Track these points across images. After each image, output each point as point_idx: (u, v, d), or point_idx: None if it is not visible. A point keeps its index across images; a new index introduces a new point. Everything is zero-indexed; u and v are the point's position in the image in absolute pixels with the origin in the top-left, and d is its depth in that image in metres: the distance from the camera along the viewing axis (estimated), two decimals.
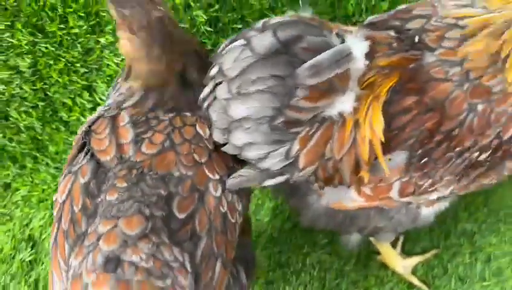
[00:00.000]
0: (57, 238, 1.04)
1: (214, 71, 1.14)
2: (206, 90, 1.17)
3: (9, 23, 1.87)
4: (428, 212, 1.55)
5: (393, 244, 1.86)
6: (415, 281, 1.83)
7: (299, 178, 1.27)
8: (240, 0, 1.83)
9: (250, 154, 1.19)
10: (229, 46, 1.13)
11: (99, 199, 1.00)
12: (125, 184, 1.02)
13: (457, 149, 1.30)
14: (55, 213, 1.08)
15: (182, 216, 1.02)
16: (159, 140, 1.08)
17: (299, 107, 1.14)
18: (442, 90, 1.27)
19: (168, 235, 0.98)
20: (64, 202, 1.04)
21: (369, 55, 1.25)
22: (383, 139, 1.24)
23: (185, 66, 1.20)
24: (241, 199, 1.20)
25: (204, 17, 1.80)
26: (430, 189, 1.39)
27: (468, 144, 1.30)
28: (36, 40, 1.89)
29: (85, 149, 1.10)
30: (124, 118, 1.09)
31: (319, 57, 1.11)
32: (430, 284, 1.85)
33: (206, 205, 1.07)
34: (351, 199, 1.43)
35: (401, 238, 1.90)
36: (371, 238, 1.75)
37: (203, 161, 1.11)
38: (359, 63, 1.19)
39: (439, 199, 1.47)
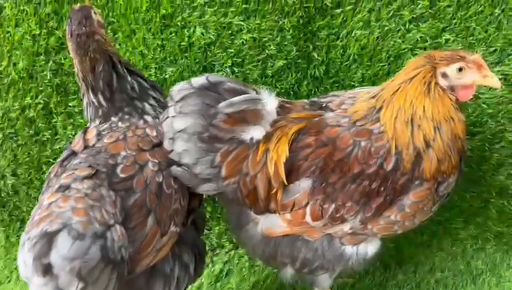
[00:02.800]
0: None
1: (168, 100, 1.78)
2: (164, 112, 1.80)
3: None
4: (353, 252, 1.89)
5: None
6: None
7: (225, 188, 1.80)
8: None
9: (186, 160, 1.75)
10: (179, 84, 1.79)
11: (67, 166, 1.64)
12: (85, 155, 1.66)
13: (349, 175, 1.76)
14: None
15: (123, 175, 1.59)
16: (116, 135, 1.72)
17: (219, 127, 1.73)
18: (334, 131, 1.81)
19: (109, 183, 1.54)
20: (50, 173, 1.70)
21: (284, 111, 1.88)
22: (283, 161, 1.77)
23: None
24: (181, 186, 1.74)
25: None
26: (337, 215, 1.80)
27: (357, 171, 1.76)
28: None
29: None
30: (92, 126, 1.79)
31: (235, 98, 1.77)
32: None
33: (144, 173, 1.63)
34: (278, 225, 1.88)
35: None
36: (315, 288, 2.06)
37: (146, 148, 1.70)
38: (271, 110, 1.81)
39: (356, 233, 1.85)
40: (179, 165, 1.76)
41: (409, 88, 1.73)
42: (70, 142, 1.81)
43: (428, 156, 1.71)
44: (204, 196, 2.01)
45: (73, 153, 1.72)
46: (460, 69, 1.69)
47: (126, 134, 1.74)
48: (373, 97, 1.82)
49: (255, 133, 1.79)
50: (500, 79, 2.13)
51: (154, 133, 1.79)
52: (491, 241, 2.54)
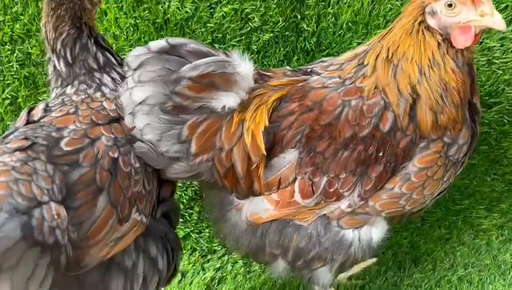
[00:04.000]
0: None
1: (124, 68, 1.58)
2: (123, 84, 1.59)
3: None
4: (354, 236, 1.65)
5: None
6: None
7: (198, 167, 1.57)
8: None
9: (149, 136, 1.53)
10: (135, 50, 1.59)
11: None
12: (24, 129, 1.46)
13: (340, 140, 1.54)
14: None
15: (67, 149, 1.39)
16: (67, 109, 1.54)
17: (183, 95, 1.52)
18: (320, 94, 1.59)
19: (47, 157, 1.34)
20: None
21: (263, 79, 1.66)
22: (262, 129, 1.55)
23: None
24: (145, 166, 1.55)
25: None
26: (331, 190, 1.57)
27: (349, 135, 1.53)
28: None
29: None
30: (40, 103, 1.61)
31: (200, 60, 1.55)
32: None
33: (95, 148, 1.42)
34: (264, 209, 1.64)
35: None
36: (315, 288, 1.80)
37: (100, 122, 1.50)
38: (245, 75, 1.59)
39: (356, 213, 1.61)
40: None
41: (396, 27, 1.53)
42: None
43: (420, 106, 1.49)
44: (177, 183, 1.80)
45: (16, 130, 1.53)
46: (450, 5, 1.44)
47: (78, 107, 1.55)
48: (363, 51, 1.60)
49: (228, 100, 1.57)
50: None
51: (113, 107, 1.58)
52: None
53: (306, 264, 1.70)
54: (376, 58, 1.55)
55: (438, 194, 1.66)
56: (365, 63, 1.57)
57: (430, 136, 1.51)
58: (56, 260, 1.24)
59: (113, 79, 1.72)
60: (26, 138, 1.39)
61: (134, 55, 1.56)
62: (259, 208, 1.65)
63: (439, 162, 1.53)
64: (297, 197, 1.60)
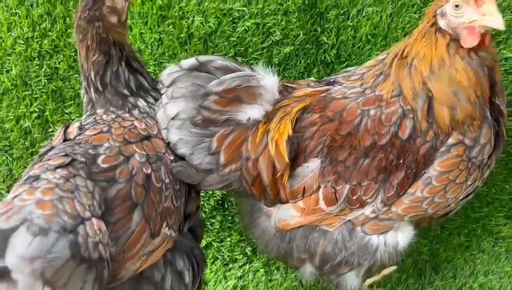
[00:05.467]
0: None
1: (159, 85, 1.72)
2: (158, 102, 1.73)
3: None
4: (380, 242, 1.74)
5: None
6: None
7: (229, 177, 1.69)
8: None
9: (182, 150, 1.66)
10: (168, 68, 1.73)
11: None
12: (62, 146, 1.55)
13: (360, 149, 1.63)
14: None
15: (104, 165, 1.47)
16: (100, 127, 1.63)
17: (211, 109, 1.64)
18: (340, 104, 1.69)
19: (87, 173, 1.42)
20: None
21: (288, 91, 1.78)
22: (285, 139, 1.66)
23: None
24: (179, 183, 1.66)
25: None
26: (354, 197, 1.67)
27: (369, 143, 1.63)
28: None
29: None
30: (75, 122, 1.70)
31: (226, 76, 1.66)
32: None
33: (129, 164, 1.51)
34: (291, 216, 1.75)
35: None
36: None
37: (132, 140, 1.59)
38: (269, 88, 1.70)
39: (380, 219, 1.70)
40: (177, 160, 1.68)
41: (415, 31, 1.63)
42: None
43: (436, 103, 1.58)
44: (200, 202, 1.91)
45: (53, 148, 1.61)
46: (457, 6, 1.52)
47: (111, 126, 1.65)
48: (384, 57, 1.71)
49: (253, 112, 1.69)
50: None
51: (143, 126, 1.69)
52: None
53: (333, 269, 1.79)
54: (394, 58, 1.64)
55: (465, 197, 1.72)
56: (385, 67, 1.67)
57: (450, 134, 1.58)
58: (100, 274, 1.30)
59: (148, 103, 1.80)
60: (66, 155, 1.47)
61: (167, 74, 1.70)
62: (287, 215, 1.76)
63: (461, 166, 1.60)
64: (322, 204, 1.69)
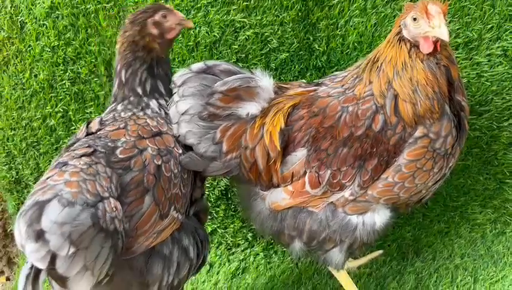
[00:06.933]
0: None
1: (172, 85, 2.04)
2: (170, 100, 2.05)
3: None
4: (358, 221, 2.04)
5: None
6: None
7: (229, 164, 2.01)
8: None
9: (190, 140, 1.97)
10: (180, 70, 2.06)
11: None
12: (85, 139, 1.84)
13: (340, 139, 1.95)
14: None
15: (121, 156, 1.76)
16: (118, 124, 1.90)
17: (216, 105, 1.97)
18: (325, 102, 2.01)
19: (106, 162, 1.70)
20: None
21: (282, 91, 2.12)
22: (278, 130, 1.98)
23: None
24: (187, 173, 1.95)
25: None
26: (335, 181, 1.98)
27: (347, 134, 1.94)
28: None
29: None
30: (96, 117, 2.00)
31: (230, 77, 2.01)
32: None
33: (143, 155, 1.79)
34: (282, 198, 2.06)
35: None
36: (330, 268, 2.22)
37: (145, 136, 1.87)
38: (266, 88, 2.04)
39: (358, 201, 2.01)
40: (185, 151, 1.99)
41: (385, 40, 1.95)
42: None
43: (400, 100, 1.87)
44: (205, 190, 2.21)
45: (78, 140, 1.91)
46: (415, 19, 1.82)
47: (127, 123, 1.94)
48: (359, 65, 2.02)
49: (251, 108, 2.02)
50: (500, 55, 2.37)
51: (154, 124, 1.98)
52: (511, 225, 2.63)
53: (320, 245, 2.09)
54: (367, 63, 1.96)
55: (434, 184, 2.00)
56: (360, 70, 1.98)
57: (415, 127, 1.87)
58: (115, 244, 1.56)
59: (160, 104, 2.07)
60: (89, 146, 1.77)
61: (179, 75, 2.03)
62: (278, 197, 2.07)
63: (427, 156, 1.89)
64: (308, 187, 2.00)
